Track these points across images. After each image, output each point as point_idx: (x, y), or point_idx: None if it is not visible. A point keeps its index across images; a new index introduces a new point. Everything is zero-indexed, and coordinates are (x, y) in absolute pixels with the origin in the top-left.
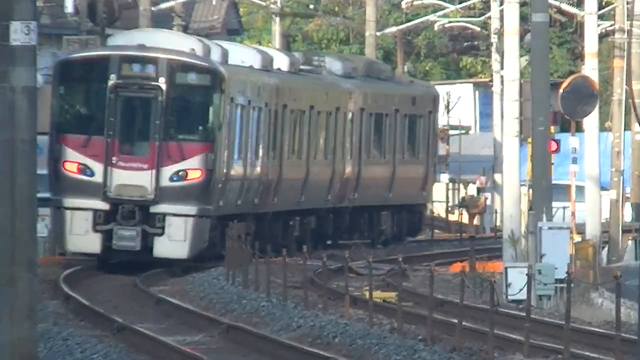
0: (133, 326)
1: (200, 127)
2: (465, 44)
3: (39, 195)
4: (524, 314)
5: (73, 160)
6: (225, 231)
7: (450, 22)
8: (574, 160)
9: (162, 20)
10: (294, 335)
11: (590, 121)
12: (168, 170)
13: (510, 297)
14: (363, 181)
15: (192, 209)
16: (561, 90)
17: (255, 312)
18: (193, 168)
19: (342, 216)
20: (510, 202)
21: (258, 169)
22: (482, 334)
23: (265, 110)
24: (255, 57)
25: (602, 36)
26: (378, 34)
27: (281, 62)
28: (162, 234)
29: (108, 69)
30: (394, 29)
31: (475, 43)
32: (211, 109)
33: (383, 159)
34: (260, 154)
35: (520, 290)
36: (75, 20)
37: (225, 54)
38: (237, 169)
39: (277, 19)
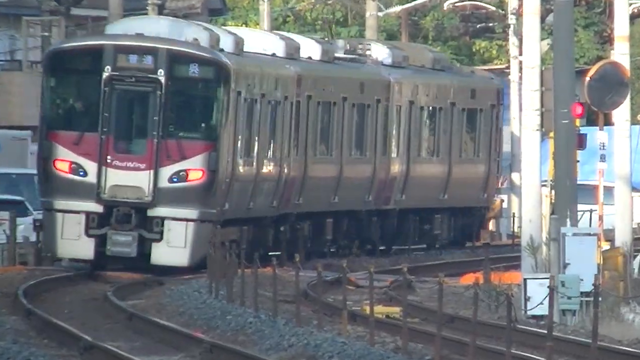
0: (103, 345)
1: (203, 124)
2: (479, 25)
3: None
4: (545, 332)
5: (64, 159)
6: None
7: (461, 0)
8: (602, 158)
9: None
10: (285, 355)
11: (621, 113)
12: (167, 171)
13: (529, 313)
14: (412, 181)
15: (193, 213)
16: (588, 79)
17: (242, 329)
18: (194, 168)
19: (388, 219)
20: (530, 205)
21: (276, 167)
22: (498, 354)
23: (286, 103)
24: (278, 44)
25: (634, 17)
26: (380, 14)
27: (311, 50)
28: (160, 239)
29: (102, 60)
30: (398, 8)
31: (490, 25)
32: (214, 104)
33: (436, 157)
34: (279, 150)
35: (540, 304)
36: None
37: (239, 42)
38: (246, 169)
39: None
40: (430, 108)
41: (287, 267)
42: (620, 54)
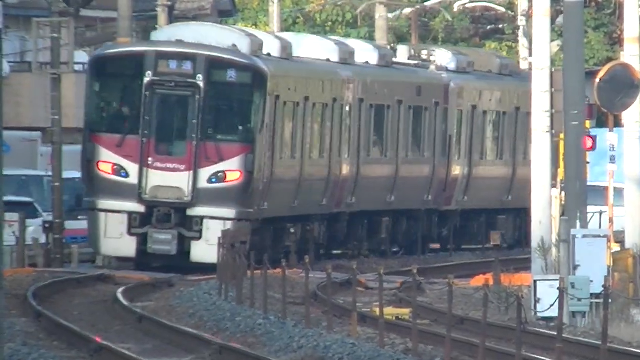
0: (113, 347)
1: (240, 127)
2: (489, 27)
3: (6, 199)
4: (555, 333)
5: (107, 161)
6: (283, 234)
7: (471, 2)
8: (612, 159)
9: (145, 0)
10: (295, 357)
11: (631, 115)
12: (206, 172)
13: (539, 314)
14: (475, 183)
15: (230, 212)
16: (598, 80)
17: (251, 330)
18: (232, 169)
19: (450, 219)
20: (540, 207)
21: (323, 167)
22: (508, 355)
23: (335, 105)
24: (332, 49)
25: None
26: (390, 15)
27: (368, 55)
28: (199, 238)
29: (144, 66)
30: (408, 10)
31: (500, 26)
32: (251, 108)
33: (499, 159)
34: (327, 151)
35: (551, 306)
36: (46, 0)
37: (286, 47)
38: (288, 169)
39: None
40: (494, 112)
41: (297, 269)
42: (630, 55)
